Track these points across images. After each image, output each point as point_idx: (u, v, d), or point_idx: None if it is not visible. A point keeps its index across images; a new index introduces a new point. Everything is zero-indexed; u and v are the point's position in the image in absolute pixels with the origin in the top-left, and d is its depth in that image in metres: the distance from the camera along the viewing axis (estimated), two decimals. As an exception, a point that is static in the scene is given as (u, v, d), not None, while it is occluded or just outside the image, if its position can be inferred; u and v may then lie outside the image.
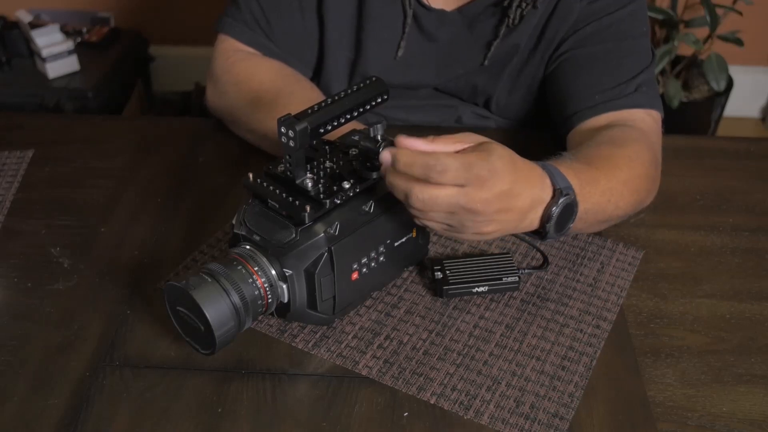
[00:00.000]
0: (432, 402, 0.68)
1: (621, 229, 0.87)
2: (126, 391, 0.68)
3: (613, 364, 0.72)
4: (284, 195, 0.68)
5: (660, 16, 1.90)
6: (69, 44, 1.76)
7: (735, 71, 2.07)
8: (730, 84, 2.01)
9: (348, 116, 0.70)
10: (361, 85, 0.71)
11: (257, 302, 0.67)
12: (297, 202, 0.68)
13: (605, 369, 0.71)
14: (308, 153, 0.72)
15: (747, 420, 0.67)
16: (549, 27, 0.94)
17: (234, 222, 0.71)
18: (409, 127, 1.04)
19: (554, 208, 0.71)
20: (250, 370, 0.70)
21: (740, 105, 2.28)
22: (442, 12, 0.95)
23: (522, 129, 1.07)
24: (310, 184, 0.69)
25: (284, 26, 0.98)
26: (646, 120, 0.90)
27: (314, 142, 0.72)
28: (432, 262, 0.79)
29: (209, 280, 0.65)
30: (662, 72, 1.98)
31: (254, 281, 0.67)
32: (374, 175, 0.71)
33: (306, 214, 0.67)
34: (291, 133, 0.66)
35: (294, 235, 0.67)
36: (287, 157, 0.68)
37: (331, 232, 0.68)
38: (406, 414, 0.67)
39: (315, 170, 0.71)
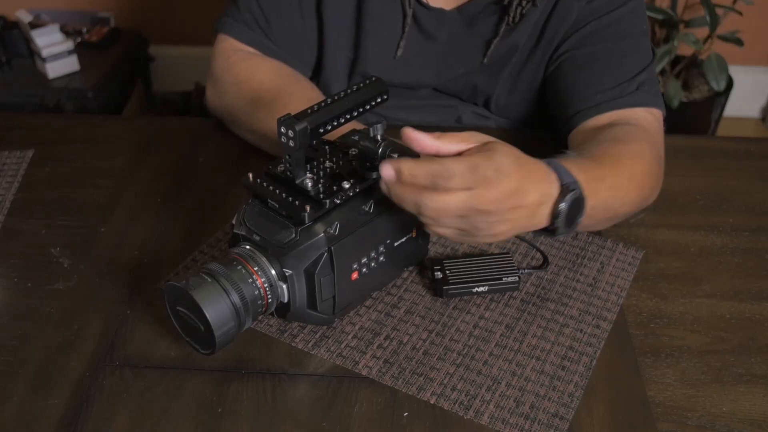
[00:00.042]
0: (432, 402, 0.68)
1: (621, 229, 0.87)
2: (126, 391, 0.68)
3: (613, 364, 0.72)
4: (284, 195, 0.68)
5: (660, 16, 1.90)
6: (69, 44, 1.76)
7: (735, 71, 2.07)
8: (730, 84, 2.01)
9: (348, 116, 0.70)
10: (361, 85, 0.71)
11: (257, 302, 0.67)
12: (297, 202, 0.68)
13: (605, 369, 0.71)
14: (308, 153, 0.72)
15: (747, 420, 0.67)
16: (548, 26, 0.94)
17: (234, 222, 0.71)
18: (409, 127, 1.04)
19: (563, 203, 0.70)
20: (250, 370, 0.70)
21: (740, 105, 2.28)
22: (441, 11, 0.95)
23: (522, 129, 1.07)
24: (310, 184, 0.69)
25: (284, 26, 0.98)
26: (648, 118, 0.90)
27: (314, 142, 0.72)
28: (432, 262, 0.79)
29: (209, 280, 0.65)
30: (662, 72, 1.98)
31: (254, 281, 0.67)
32: (374, 175, 0.71)
33: (306, 214, 0.67)
34: (291, 133, 0.66)
35: (294, 235, 0.67)
36: (287, 157, 0.68)
37: (331, 232, 0.68)
38: (406, 414, 0.67)
39: (315, 170, 0.71)
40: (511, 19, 0.93)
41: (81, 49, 1.82)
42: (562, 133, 0.94)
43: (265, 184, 0.70)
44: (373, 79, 0.72)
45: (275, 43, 0.98)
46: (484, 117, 1.07)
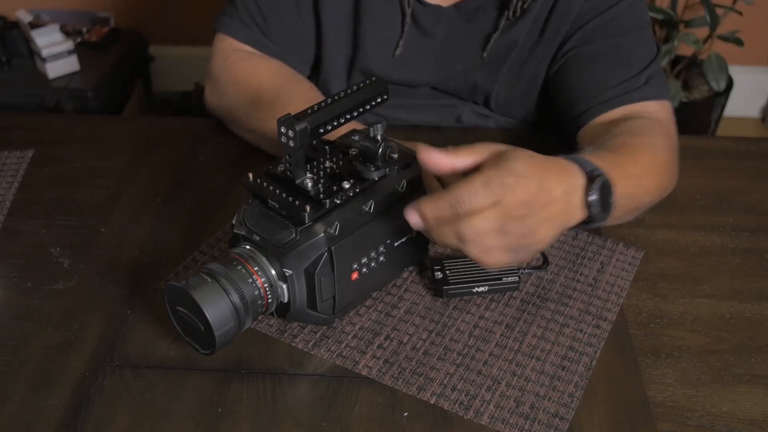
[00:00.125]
0: (432, 402, 0.68)
1: (621, 229, 0.87)
2: (126, 391, 0.68)
3: (613, 364, 0.72)
4: (284, 195, 0.68)
5: (660, 16, 1.90)
6: (69, 44, 1.76)
7: (735, 71, 2.07)
8: (730, 84, 2.01)
9: (348, 116, 0.70)
10: (361, 85, 0.71)
11: (257, 302, 0.67)
12: (297, 202, 0.68)
13: (605, 369, 0.71)
14: (308, 153, 0.72)
15: (747, 420, 0.67)
16: (550, 23, 0.94)
17: (234, 222, 0.71)
18: (409, 127, 1.04)
19: (593, 190, 0.70)
20: (250, 370, 0.70)
21: (740, 105, 2.28)
22: (438, 7, 0.95)
23: (522, 128, 1.07)
24: (310, 184, 0.69)
25: (281, 24, 0.98)
26: (660, 111, 0.91)
27: (314, 142, 0.72)
28: (432, 262, 0.79)
29: (209, 280, 0.65)
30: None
31: (254, 281, 0.67)
32: (374, 175, 0.71)
33: (306, 214, 0.67)
34: (291, 133, 0.66)
35: (294, 235, 0.67)
36: (287, 157, 0.68)
37: (331, 232, 0.68)
38: (406, 414, 0.67)
39: (315, 170, 0.71)
40: (511, 13, 0.93)
41: (81, 49, 1.82)
42: (571, 131, 0.93)
43: (265, 184, 0.70)
44: (373, 79, 0.72)
45: (273, 42, 0.98)
46: (484, 116, 1.07)
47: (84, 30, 1.92)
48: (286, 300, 0.69)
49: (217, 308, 0.64)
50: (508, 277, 0.77)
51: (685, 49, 2.03)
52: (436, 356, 0.72)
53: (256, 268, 0.67)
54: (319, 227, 0.67)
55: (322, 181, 0.70)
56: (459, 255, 0.82)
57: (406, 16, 0.95)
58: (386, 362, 0.71)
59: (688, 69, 2.06)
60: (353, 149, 0.73)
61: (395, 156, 0.70)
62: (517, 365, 0.71)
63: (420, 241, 0.77)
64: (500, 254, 0.67)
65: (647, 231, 0.87)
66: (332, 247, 0.68)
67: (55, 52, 1.74)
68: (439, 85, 1.03)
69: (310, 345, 0.73)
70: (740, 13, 1.92)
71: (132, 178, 0.94)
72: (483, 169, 0.66)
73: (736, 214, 0.91)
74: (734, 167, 0.99)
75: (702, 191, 0.94)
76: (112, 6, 2.16)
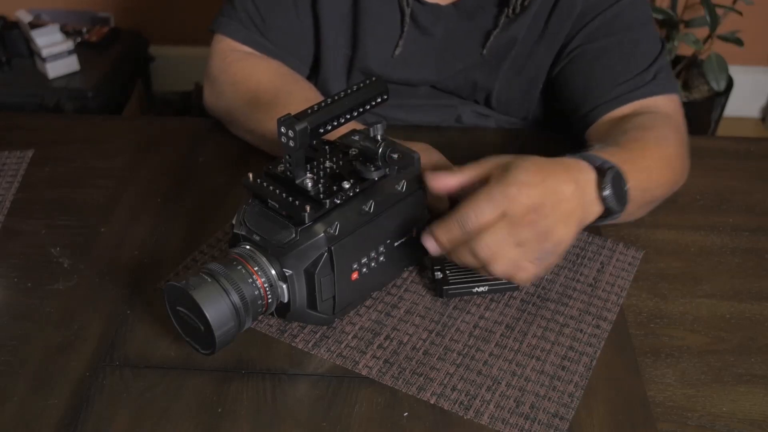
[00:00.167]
0: (432, 402, 0.68)
1: (621, 229, 0.87)
2: (126, 391, 0.68)
3: (613, 364, 0.72)
4: (284, 195, 0.68)
5: (660, 16, 1.90)
6: (69, 44, 1.76)
7: (735, 71, 2.07)
8: (730, 84, 2.01)
9: (348, 116, 0.70)
10: (361, 85, 0.71)
11: (257, 302, 0.67)
12: (297, 202, 0.68)
13: (605, 369, 0.71)
14: (308, 153, 0.72)
15: (747, 420, 0.67)
16: (551, 21, 0.94)
17: (234, 222, 0.71)
18: (409, 127, 1.04)
19: (605, 183, 0.71)
20: (250, 370, 0.70)
21: (740, 105, 2.28)
22: (436, 6, 0.95)
23: (522, 128, 1.07)
24: (310, 184, 0.69)
25: (279, 24, 0.98)
26: (669, 105, 0.91)
27: (314, 142, 0.72)
28: (432, 262, 0.79)
29: (209, 280, 0.65)
30: (662, 72, 1.98)
31: (254, 281, 0.67)
32: (374, 175, 0.71)
33: (306, 214, 0.67)
34: (291, 133, 0.66)
35: (294, 235, 0.67)
36: (287, 157, 0.68)
37: (331, 232, 0.68)
38: (406, 414, 0.67)
39: (315, 170, 0.71)
40: (510, 10, 0.93)
41: (81, 49, 1.82)
42: (579, 129, 0.94)
43: (265, 184, 0.70)
44: (373, 79, 0.72)
45: (271, 42, 0.98)
46: (484, 116, 1.07)
47: (84, 30, 1.92)
48: (286, 300, 0.69)
49: (217, 308, 0.64)
50: (508, 277, 0.77)
51: (685, 49, 2.03)
52: (436, 356, 0.72)
53: (256, 268, 0.67)
54: (319, 227, 0.67)
55: (322, 181, 0.70)
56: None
57: (405, 15, 0.95)
58: (386, 362, 0.71)
59: (688, 69, 2.06)
60: (353, 149, 0.73)
61: (395, 156, 0.70)
62: (517, 365, 0.71)
63: (420, 241, 0.77)
64: (528, 266, 0.68)
65: (647, 231, 0.87)
66: (332, 247, 0.68)
67: (55, 52, 1.74)
68: (439, 84, 1.03)
69: (310, 345, 0.73)
70: (740, 13, 1.92)
71: (132, 178, 0.94)
72: (488, 183, 0.67)
73: (736, 214, 0.91)
74: (734, 167, 0.99)
75: (702, 191, 0.94)
76: (112, 6, 2.16)
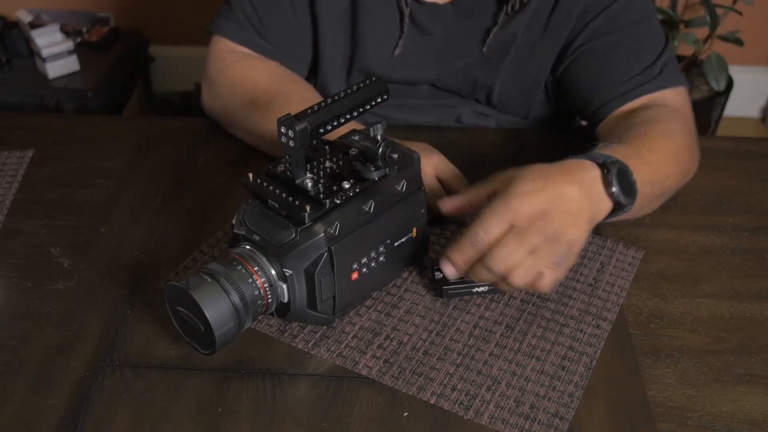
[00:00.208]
0: (432, 402, 0.68)
1: (621, 229, 0.87)
2: (126, 391, 0.68)
3: (613, 364, 0.72)
4: (284, 195, 0.68)
5: (660, 16, 1.90)
6: (69, 44, 1.76)
7: (735, 71, 2.07)
8: (730, 84, 2.01)
9: (348, 116, 0.70)
10: (361, 85, 0.71)
11: (257, 302, 0.67)
12: (297, 202, 0.67)
13: (605, 369, 0.71)
14: (308, 153, 0.72)
15: (747, 420, 0.67)
16: (553, 19, 0.94)
17: (234, 222, 0.71)
18: (409, 127, 1.04)
19: (610, 178, 0.72)
20: (250, 370, 0.70)
21: (740, 105, 2.28)
22: (435, 5, 0.95)
23: (523, 128, 1.07)
24: (310, 184, 0.69)
25: (277, 24, 0.98)
26: (677, 98, 0.92)
27: (314, 142, 0.72)
28: (432, 262, 0.79)
29: (209, 280, 0.65)
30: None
31: (254, 281, 0.67)
32: (374, 175, 0.71)
33: (306, 214, 0.67)
34: (291, 133, 0.66)
35: (294, 235, 0.67)
36: (287, 157, 0.68)
37: (331, 232, 0.68)
38: (406, 414, 0.67)
39: (315, 170, 0.71)
40: (509, 8, 0.93)
41: (81, 49, 1.82)
42: (590, 125, 0.96)
43: (265, 184, 0.70)
44: (373, 79, 0.72)
45: (269, 42, 0.98)
46: (484, 115, 1.07)
47: (84, 30, 1.92)
48: (286, 300, 0.69)
49: (217, 308, 0.64)
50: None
51: (685, 49, 2.03)
52: (436, 356, 0.72)
53: (256, 268, 0.67)
54: (319, 227, 0.67)
55: (322, 181, 0.70)
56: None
57: (404, 16, 0.95)
58: (386, 362, 0.71)
59: (688, 69, 2.06)
60: (353, 149, 0.73)
61: (395, 156, 0.70)
62: (517, 365, 0.71)
63: (420, 241, 0.77)
64: (546, 272, 0.69)
65: (647, 231, 0.87)
66: (332, 247, 0.68)
67: (55, 52, 1.74)
68: (439, 83, 1.03)
69: (310, 345, 0.73)
70: (740, 13, 1.92)
71: (132, 178, 0.94)
72: (494, 198, 0.69)
73: (736, 214, 0.91)
74: (734, 167, 0.99)
75: (702, 191, 0.94)
76: (112, 6, 2.16)
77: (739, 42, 1.94)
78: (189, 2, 2.18)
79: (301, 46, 1.00)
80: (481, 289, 0.77)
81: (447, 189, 0.84)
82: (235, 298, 0.65)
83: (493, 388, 0.69)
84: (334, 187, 0.69)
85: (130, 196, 0.91)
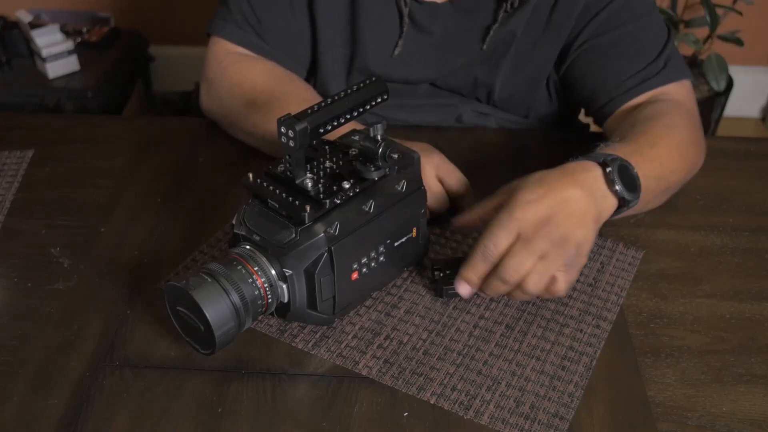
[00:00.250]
0: (432, 402, 0.68)
1: (621, 229, 0.87)
2: (126, 391, 0.68)
3: (613, 364, 0.72)
4: (284, 195, 0.68)
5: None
6: (69, 44, 1.76)
7: (735, 71, 2.07)
8: (730, 84, 2.01)
9: (348, 116, 0.70)
10: (361, 85, 0.71)
11: (257, 302, 0.67)
12: (297, 202, 0.67)
13: (605, 369, 0.71)
14: (308, 153, 0.72)
15: (747, 420, 0.67)
16: (555, 15, 0.94)
17: (234, 222, 0.71)
18: (409, 127, 1.04)
19: (611, 175, 0.73)
20: (250, 370, 0.70)
21: (740, 105, 2.28)
22: (434, 5, 0.95)
23: (523, 128, 1.07)
24: (310, 184, 0.69)
25: (275, 24, 0.98)
26: (681, 91, 0.93)
27: (314, 142, 0.72)
28: (432, 263, 0.79)
29: (209, 280, 0.65)
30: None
31: (254, 281, 0.67)
32: (374, 175, 0.71)
33: (306, 214, 0.67)
34: (291, 133, 0.66)
35: (294, 235, 0.67)
36: (287, 157, 0.68)
37: (331, 232, 0.68)
38: (406, 414, 0.67)
39: (315, 170, 0.71)
40: (509, 5, 0.93)
41: (81, 49, 1.82)
42: (596, 121, 0.97)
43: (265, 184, 0.70)
44: (373, 79, 0.71)
45: (268, 43, 0.98)
46: (484, 114, 1.06)
47: (84, 30, 1.92)
48: (286, 300, 0.69)
49: (217, 308, 0.64)
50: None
51: (685, 49, 2.03)
52: (436, 356, 0.72)
53: (256, 268, 0.67)
54: (319, 227, 0.67)
55: (322, 181, 0.70)
56: (459, 255, 0.82)
57: (403, 15, 0.95)
58: (386, 362, 0.71)
59: (688, 69, 2.06)
60: (353, 149, 0.73)
61: (395, 156, 0.70)
62: (517, 365, 0.71)
63: (420, 241, 0.77)
64: (558, 275, 0.71)
65: (647, 231, 0.87)
66: (332, 247, 0.68)
67: (55, 52, 1.74)
68: (440, 82, 1.03)
69: (310, 345, 0.73)
70: (740, 13, 1.92)
71: (132, 178, 0.94)
72: (500, 210, 0.71)
73: (736, 214, 0.91)
74: (734, 167, 0.99)
75: (702, 191, 0.94)
76: (112, 6, 2.16)
77: (739, 42, 1.94)
78: (189, 2, 2.18)
79: (301, 46, 1.00)
80: (481, 289, 0.77)
81: (447, 189, 0.84)
82: (235, 298, 0.65)
83: (493, 388, 0.69)
84: (334, 187, 0.69)
85: (130, 196, 0.91)
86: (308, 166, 0.71)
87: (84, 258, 0.82)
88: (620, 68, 0.93)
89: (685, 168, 0.87)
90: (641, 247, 0.85)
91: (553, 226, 0.69)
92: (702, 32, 1.97)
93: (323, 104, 0.68)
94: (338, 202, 0.69)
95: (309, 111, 0.67)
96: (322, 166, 0.72)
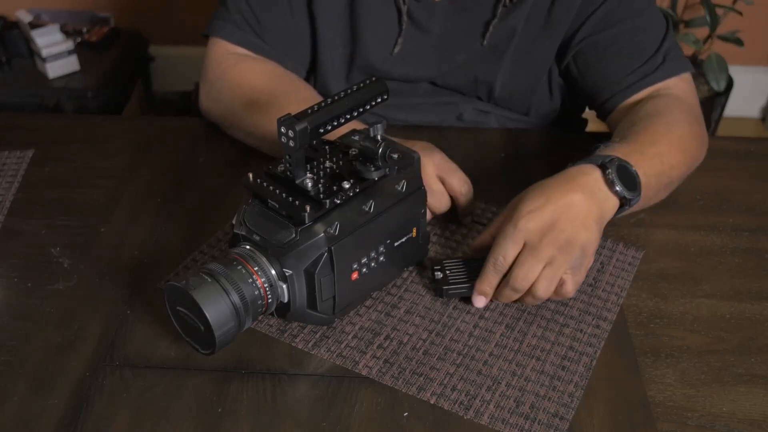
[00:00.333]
0: (432, 402, 0.68)
1: (621, 229, 0.87)
2: (126, 391, 0.68)
3: (613, 364, 0.72)
4: (284, 195, 0.68)
5: (660, 16, 1.90)
6: (69, 44, 1.76)
7: (735, 71, 2.07)
8: (730, 84, 2.01)
9: (348, 116, 0.70)
10: (361, 85, 0.71)
11: (257, 302, 0.67)
12: (297, 202, 0.67)
13: (605, 369, 0.71)
14: (308, 153, 0.72)
15: (747, 420, 0.67)
16: (554, 11, 0.95)
17: (234, 222, 0.71)
18: (409, 127, 1.04)
19: (610, 176, 0.74)
20: (250, 370, 0.70)
21: (740, 105, 2.28)
22: (431, 2, 0.95)
23: (523, 128, 1.07)
24: (310, 184, 0.69)
25: (275, 24, 0.97)
26: (680, 85, 0.93)
27: (314, 142, 0.72)
28: (432, 263, 0.79)
29: (209, 280, 0.65)
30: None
31: (254, 281, 0.67)
32: (374, 175, 0.71)
33: (306, 214, 0.67)
34: (291, 133, 0.66)
35: (294, 235, 0.67)
36: (287, 157, 0.68)
37: (331, 232, 0.68)
38: (406, 414, 0.67)
39: (315, 170, 0.71)
40: (508, 0, 0.93)
41: (81, 49, 1.82)
42: (599, 117, 0.98)
43: (265, 184, 0.70)
44: (373, 79, 0.71)
45: (267, 43, 0.98)
46: (485, 112, 1.06)
47: (84, 30, 1.92)
48: (286, 300, 0.69)
49: (217, 308, 0.64)
50: (508, 277, 0.77)
51: (685, 49, 2.02)
52: (436, 356, 0.72)
53: (256, 268, 0.67)
54: (319, 227, 0.67)
55: (322, 181, 0.70)
56: (459, 255, 0.82)
57: (402, 13, 0.95)
58: (386, 362, 0.71)
59: (688, 69, 2.06)
60: (353, 149, 0.73)
61: (395, 156, 0.70)
62: (517, 365, 0.71)
63: (420, 241, 0.77)
64: (566, 278, 0.73)
65: (647, 231, 0.87)
66: (332, 247, 0.68)
67: (55, 52, 1.74)
68: (440, 80, 1.03)
69: (310, 345, 0.73)
70: (740, 13, 1.92)
71: (132, 178, 0.94)
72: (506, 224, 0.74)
73: (736, 214, 0.91)
74: (734, 167, 0.99)
75: (702, 191, 0.94)
76: (112, 6, 2.16)
77: (739, 42, 1.94)
78: (189, 2, 2.18)
79: (300, 46, 1.00)
80: (481, 289, 0.77)
81: (449, 188, 0.84)
82: (235, 298, 0.65)
83: (493, 388, 0.69)
84: (334, 187, 0.69)
85: (130, 196, 0.91)
86: (308, 166, 0.71)
87: (84, 258, 0.82)
88: (620, 64, 0.94)
89: (687, 162, 0.87)
90: (641, 247, 0.85)
91: (558, 232, 0.71)
92: (702, 32, 1.97)
93: (323, 104, 0.68)
94: (338, 202, 0.69)
95: (309, 111, 0.67)
96: (322, 166, 0.72)
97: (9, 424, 0.66)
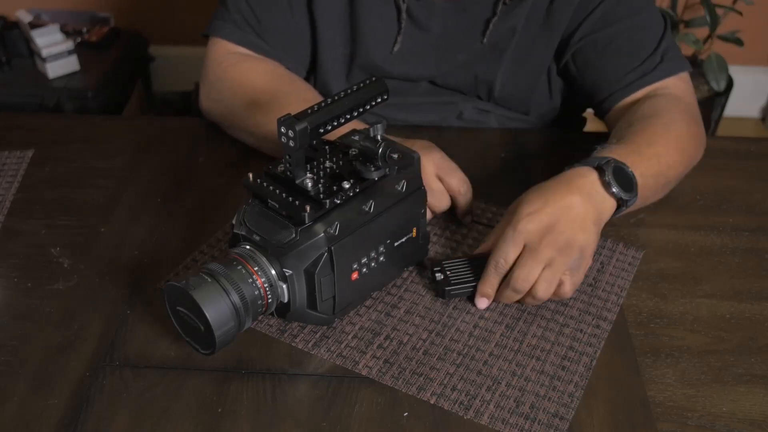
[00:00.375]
0: (432, 402, 0.68)
1: (621, 229, 0.87)
2: (126, 391, 0.68)
3: (613, 364, 0.72)
4: (284, 195, 0.68)
5: (660, 16, 1.90)
6: (69, 44, 1.76)
7: (735, 71, 2.07)
8: (730, 84, 2.01)
9: (348, 116, 0.70)
10: (361, 85, 0.71)
11: (257, 302, 0.67)
12: (297, 202, 0.67)
13: (605, 369, 0.71)
14: (308, 153, 0.72)
15: (747, 420, 0.67)
16: (553, 10, 0.95)
17: (234, 222, 0.71)
18: (409, 127, 1.04)
19: (607, 177, 0.75)
20: (250, 370, 0.70)
21: (740, 105, 2.28)
22: (431, 1, 0.96)
23: (523, 128, 1.07)
24: (310, 184, 0.69)
25: (275, 23, 0.98)
26: (678, 84, 0.94)
27: (314, 142, 0.72)
28: (432, 263, 0.79)
29: (209, 280, 0.65)
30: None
31: (254, 281, 0.67)
32: (374, 175, 0.71)
33: (306, 214, 0.67)
34: (291, 133, 0.66)
35: (294, 235, 0.67)
36: (287, 157, 0.68)
37: (331, 232, 0.68)
38: (406, 414, 0.67)
39: (315, 170, 0.71)
40: None
41: (81, 49, 1.82)
42: (597, 115, 0.99)
43: (265, 184, 0.70)
44: (373, 79, 0.71)
45: (267, 43, 0.98)
46: (485, 111, 1.06)
47: (84, 30, 1.92)
48: (286, 300, 0.69)
49: (217, 308, 0.64)
50: (508, 277, 0.77)
51: (685, 49, 2.02)
52: (436, 356, 0.72)
53: (256, 268, 0.67)
54: (319, 227, 0.67)
55: (322, 181, 0.70)
56: (459, 255, 0.82)
57: (402, 12, 0.95)
58: (386, 362, 0.71)
59: (688, 69, 2.06)
60: (353, 149, 0.73)
61: (395, 156, 0.70)
62: (517, 365, 0.71)
63: (420, 241, 0.77)
64: (564, 279, 0.74)
65: (647, 231, 0.87)
66: (332, 247, 0.68)
67: (55, 52, 1.74)
68: (440, 79, 1.03)
69: (310, 345, 0.73)
70: (740, 13, 1.92)
71: (132, 178, 0.94)
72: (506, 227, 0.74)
73: (736, 214, 0.91)
74: (734, 167, 0.99)
75: (702, 191, 0.94)
76: (112, 6, 2.16)
77: (739, 42, 1.94)
78: (189, 2, 2.18)
79: (301, 45, 1.00)
80: (481, 289, 0.77)
81: (448, 187, 0.84)
82: (235, 298, 0.65)
83: (493, 388, 0.69)
84: (334, 187, 0.69)
85: (130, 196, 0.91)
86: (308, 166, 0.71)
87: (84, 258, 0.82)
88: (619, 63, 0.94)
89: (684, 162, 0.88)
90: (641, 247, 0.85)
91: (557, 234, 0.72)
92: (702, 32, 1.97)
93: (323, 104, 0.68)
94: (338, 202, 0.69)
95: (309, 111, 0.67)
96: (322, 166, 0.72)
97: (9, 424, 0.66)
